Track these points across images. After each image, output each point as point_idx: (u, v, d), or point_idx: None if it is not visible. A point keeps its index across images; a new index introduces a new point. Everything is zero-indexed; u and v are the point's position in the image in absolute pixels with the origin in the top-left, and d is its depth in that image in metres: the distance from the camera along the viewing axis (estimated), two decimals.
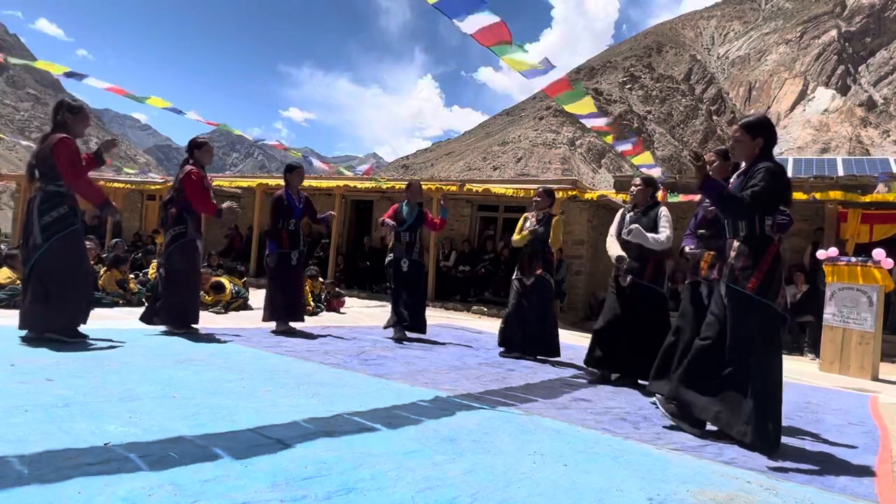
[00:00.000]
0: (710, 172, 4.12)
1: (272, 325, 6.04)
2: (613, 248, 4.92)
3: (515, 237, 5.97)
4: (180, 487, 1.83)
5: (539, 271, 5.83)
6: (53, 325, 4.14)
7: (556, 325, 5.99)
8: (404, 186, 6.87)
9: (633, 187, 5.03)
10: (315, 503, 1.84)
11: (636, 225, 4.68)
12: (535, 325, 5.83)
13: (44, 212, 4.13)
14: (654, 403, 4.10)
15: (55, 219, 4.13)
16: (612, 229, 5.04)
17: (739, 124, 3.35)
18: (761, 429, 3.03)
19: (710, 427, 3.32)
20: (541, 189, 6.08)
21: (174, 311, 5.15)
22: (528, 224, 5.94)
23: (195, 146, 5.34)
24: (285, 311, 6.04)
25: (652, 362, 4.63)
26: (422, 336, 6.48)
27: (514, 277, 6.05)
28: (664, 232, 4.69)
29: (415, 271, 6.40)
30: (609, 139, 6.28)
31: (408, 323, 6.31)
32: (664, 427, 3.42)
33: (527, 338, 5.86)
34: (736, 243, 3.26)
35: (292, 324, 6.13)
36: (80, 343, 4.19)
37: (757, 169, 3.16)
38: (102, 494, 1.73)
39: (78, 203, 4.33)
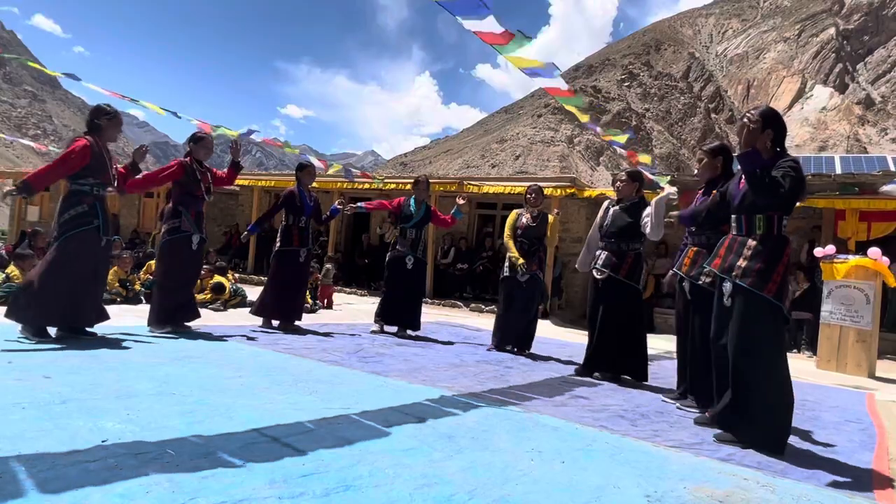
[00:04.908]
0: (699, 170, 4.18)
1: (272, 321, 6.04)
2: (592, 242, 5.06)
3: (508, 239, 5.99)
4: (178, 485, 1.83)
5: (534, 268, 5.90)
6: (33, 319, 4.10)
7: (536, 320, 6.11)
8: (412, 183, 6.79)
9: (618, 182, 5.05)
10: (313, 500, 1.84)
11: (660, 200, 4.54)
12: (524, 321, 5.94)
13: (63, 210, 4.25)
14: (664, 401, 4.16)
15: (71, 217, 4.22)
16: (596, 222, 5.10)
17: (757, 111, 3.13)
18: (768, 430, 2.99)
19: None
20: (535, 187, 6.08)
21: (158, 308, 5.10)
22: (522, 220, 5.97)
23: (191, 140, 5.38)
24: (287, 310, 6.00)
25: (627, 358, 4.82)
26: (419, 334, 6.48)
27: (505, 275, 6.02)
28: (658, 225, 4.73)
29: (418, 269, 6.41)
30: (607, 137, 6.33)
31: (405, 321, 6.35)
32: (663, 424, 3.42)
33: (514, 332, 5.97)
34: (752, 242, 3.12)
35: (290, 323, 6.08)
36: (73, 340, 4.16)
37: (785, 162, 3.00)
38: (100, 492, 1.73)
39: (103, 204, 4.38)
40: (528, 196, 6.01)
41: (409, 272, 6.34)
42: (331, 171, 12.17)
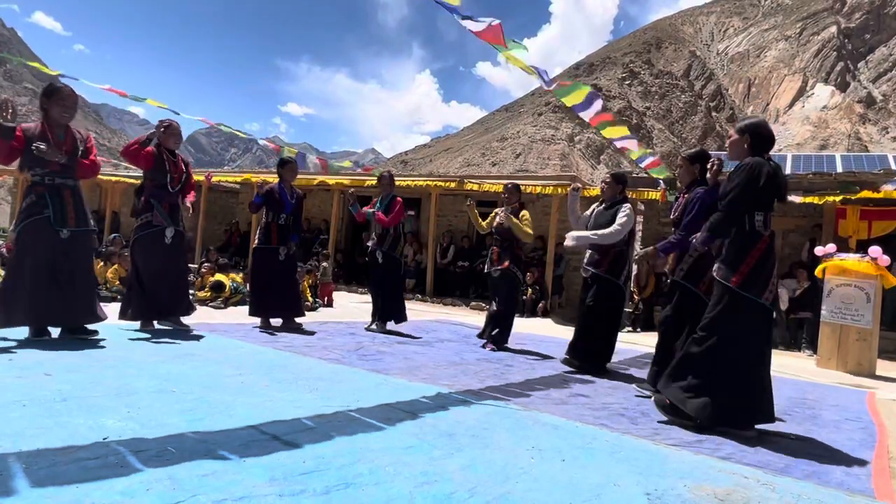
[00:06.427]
0: (678, 175, 4.36)
1: (269, 321, 6.01)
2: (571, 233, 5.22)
3: (479, 226, 6.34)
4: (178, 482, 1.83)
5: (506, 265, 5.93)
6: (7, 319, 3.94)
7: (512, 317, 6.17)
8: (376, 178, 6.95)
9: (602, 183, 5.25)
10: (313, 498, 1.84)
11: (572, 233, 5.08)
12: (501, 317, 6.00)
13: (22, 200, 4.12)
14: (639, 396, 4.19)
15: (25, 206, 4.05)
16: (583, 215, 5.27)
17: (737, 125, 3.49)
18: (704, 401, 3.18)
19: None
20: (510, 184, 6.21)
21: (133, 303, 4.95)
22: (497, 219, 6.10)
23: (158, 128, 5.03)
24: (272, 308, 5.91)
25: (598, 350, 5.02)
26: (418, 332, 6.49)
27: (485, 271, 6.26)
28: (617, 223, 4.88)
29: (387, 263, 6.41)
30: (608, 132, 6.34)
31: (382, 314, 6.42)
32: (661, 423, 3.42)
33: (489, 326, 6.08)
34: (726, 239, 3.35)
35: (287, 321, 5.99)
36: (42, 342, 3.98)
37: (733, 171, 3.27)
38: (100, 489, 1.73)
39: (59, 193, 4.06)
40: (503, 194, 6.19)
41: (379, 266, 6.42)
42: (345, 164, 12.25)
